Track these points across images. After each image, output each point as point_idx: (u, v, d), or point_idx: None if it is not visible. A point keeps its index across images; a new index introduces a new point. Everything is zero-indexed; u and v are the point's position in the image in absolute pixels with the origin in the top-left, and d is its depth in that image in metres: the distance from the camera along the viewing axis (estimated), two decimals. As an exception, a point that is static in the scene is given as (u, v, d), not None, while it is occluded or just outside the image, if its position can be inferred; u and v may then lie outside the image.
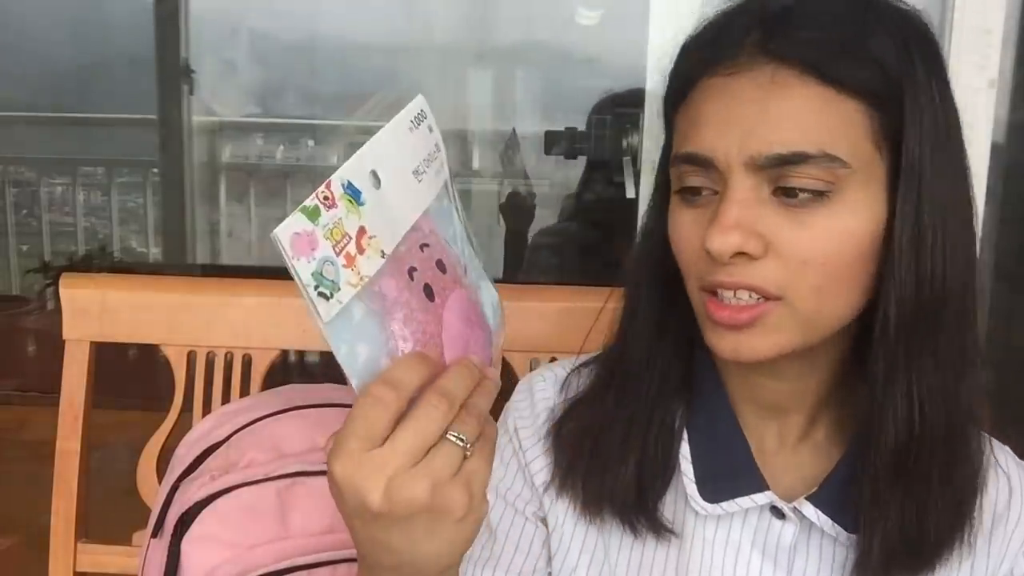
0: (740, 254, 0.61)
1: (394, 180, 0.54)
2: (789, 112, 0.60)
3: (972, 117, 1.19)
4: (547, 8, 3.26)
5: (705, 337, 0.65)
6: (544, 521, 0.75)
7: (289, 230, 0.48)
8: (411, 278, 0.54)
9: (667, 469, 0.70)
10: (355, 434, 0.51)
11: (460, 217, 0.61)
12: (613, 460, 0.70)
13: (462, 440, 0.52)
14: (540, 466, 0.75)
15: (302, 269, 0.48)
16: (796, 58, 0.60)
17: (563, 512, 0.74)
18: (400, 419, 0.51)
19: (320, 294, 0.49)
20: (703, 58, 0.65)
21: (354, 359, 0.51)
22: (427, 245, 0.57)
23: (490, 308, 0.63)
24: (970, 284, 0.64)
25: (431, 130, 0.58)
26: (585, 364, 0.77)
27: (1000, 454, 0.72)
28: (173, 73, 3.34)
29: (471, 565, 0.76)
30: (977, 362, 0.66)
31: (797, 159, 0.59)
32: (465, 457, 0.53)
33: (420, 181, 0.57)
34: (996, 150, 1.22)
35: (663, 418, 0.70)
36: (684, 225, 0.65)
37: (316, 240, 0.49)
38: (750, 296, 0.62)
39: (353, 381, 0.51)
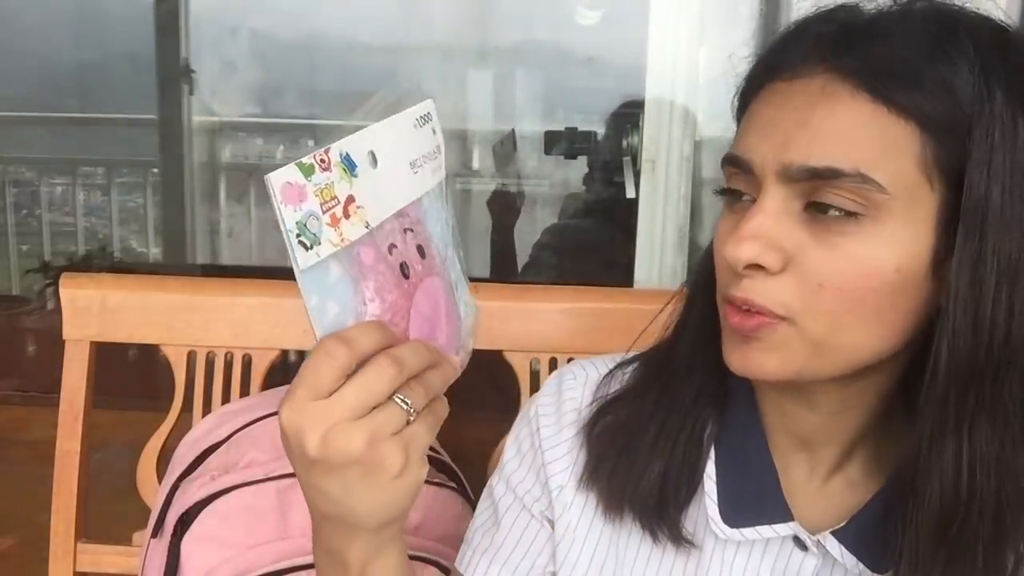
0: (757, 267, 0.59)
1: (391, 165, 0.58)
2: (831, 125, 0.57)
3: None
4: (547, 8, 3.25)
5: (723, 349, 0.63)
6: (551, 522, 0.74)
7: (282, 178, 0.52)
8: (390, 253, 0.58)
9: (692, 481, 0.69)
10: (304, 383, 0.54)
11: (451, 221, 0.64)
12: (641, 460, 0.69)
13: (407, 404, 0.55)
14: (558, 468, 0.74)
15: (288, 215, 0.52)
16: (852, 71, 0.57)
17: (577, 516, 0.73)
18: (350, 376, 0.54)
19: (300, 242, 0.52)
20: (769, 63, 0.63)
21: (323, 313, 0.54)
22: (411, 231, 0.60)
23: (463, 309, 0.66)
24: None
25: (435, 132, 0.61)
26: (627, 363, 0.76)
27: None
28: (173, 73, 3.33)
29: (470, 551, 0.77)
30: None
31: (829, 174, 0.56)
32: (409, 422, 0.56)
33: (416, 173, 0.60)
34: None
35: (693, 428, 0.69)
36: (720, 230, 0.63)
37: (306, 194, 0.53)
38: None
39: (318, 333, 0.55)
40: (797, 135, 0.57)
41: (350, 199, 0.55)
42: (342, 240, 0.54)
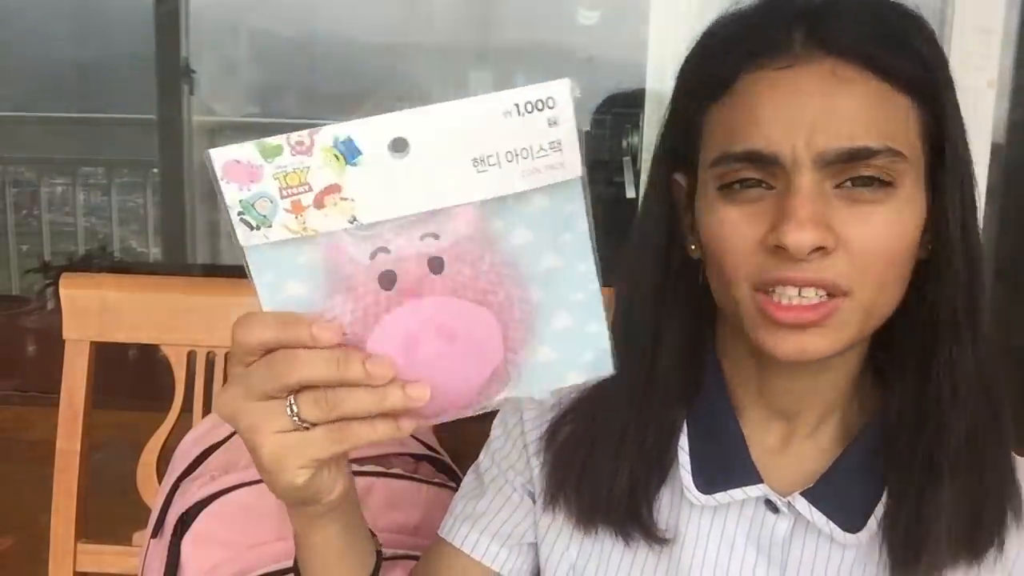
0: (817, 249, 0.60)
1: (432, 157, 0.49)
2: (853, 107, 0.60)
3: (972, 117, 1.18)
4: (548, 8, 3.26)
5: (758, 338, 0.63)
6: (532, 497, 0.77)
7: (228, 155, 0.48)
8: (372, 258, 0.51)
9: (662, 467, 0.71)
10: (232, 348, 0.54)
11: (585, 229, 0.52)
12: (607, 471, 0.70)
13: (292, 410, 0.51)
14: (541, 459, 0.76)
15: (229, 192, 0.49)
16: (855, 52, 0.60)
17: (560, 517, 0.74)
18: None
19: (243, 220, 0.50)
20: (746, 51, 0.63)
21: (277, 291, 0.52)
22: (436, 237, 0.51)
23: (531, 354, 0.54)
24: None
25: (553, 124, 0.50)
26: None
27: (1017, 464, 0.71)
28: (173, 73, 3.33)
29: (452, 518, 0.79)
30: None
31: (865, 154, 0.60)
32: (299, 428, 0.52)
33: (481, 171, 0.50)
34: (996, 150, 1.21)
35: (661, 421, 0.70)
36: (733, 223, 0.63)
37: (260, 175, 0.49)
38: (816, 293, 0.61)
39: (265, 307, 0.52)
40: (824, 121, 0.60)
41: (331, 188, 0.49)
42: (304, 229, 0.50)
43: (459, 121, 0.49)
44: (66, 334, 1.13)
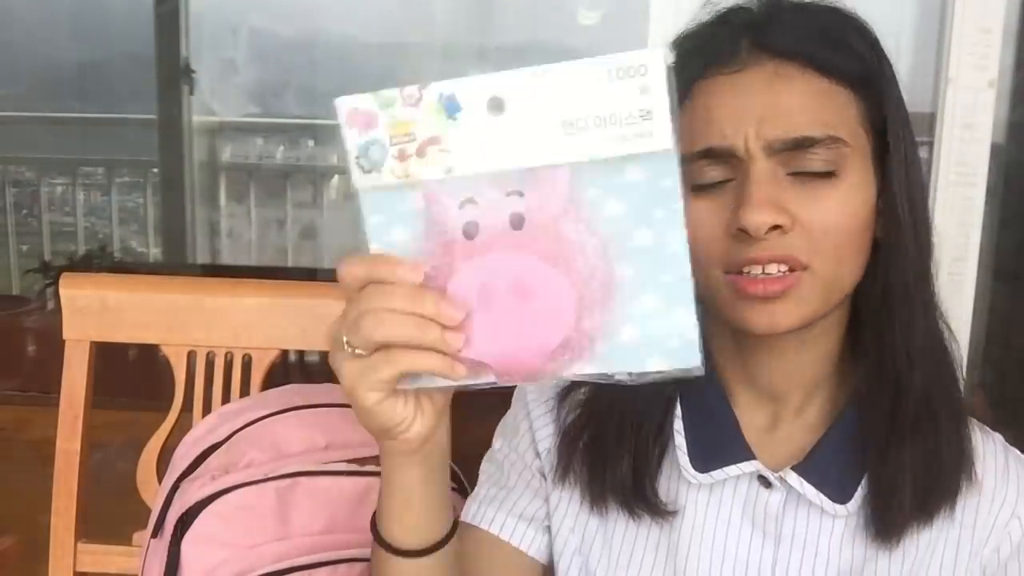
0: (774, 228, 0.66)
1: (525, 118, 0.52)
2: (795, 101, 0.67)
3: (972, 117, 1.19)
4: (548, 8, 3.26)
5: (736, 316, 0.69)
6: (544, 475, 0.80)
7: (351, 103, 0.54)
8: (460, 207, 0.54)
9: (660, 449, 0.75)
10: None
11: (680, 207, 0.52)
12: (611, 455, 0.75)
13: (344, 339, 0.56)
14: (545, 435, 0.80)
15: (350, 138, 0.54)
16: (795, 53, 0.68)
17: (567, 496, 0.78)
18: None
19: (359, 165, 0.54)
20: (700, 63, 0.69)
21: (383, 233, 0.55)
22: (521, 195, 0.53)
23: (597, 321, 0.53)
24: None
25: (644, 92, 0.50)
26: None
27: (988, 437, 0.77)
28: (173, 73, 3.34)
29: (476, 503, 0.81)
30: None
31: (807, 143, 0.67)
32: (354, 355, 0.56)
33: (570, 134, 0.51)
34: (996, 150, 1.21)
35: (655, 405, 0.75)
36: (700, 215, 0.68)
37: (375, 123, 0.54)
38: (779, 269, 0.67)
39: (372, 246, 0.55)
40: (770, 115, 0.67)
41: (432, 140, 0.53)
42: (407, 176, 0.53)
43: (553, 84, 0.51)
44: (66, 334, 1.13)
